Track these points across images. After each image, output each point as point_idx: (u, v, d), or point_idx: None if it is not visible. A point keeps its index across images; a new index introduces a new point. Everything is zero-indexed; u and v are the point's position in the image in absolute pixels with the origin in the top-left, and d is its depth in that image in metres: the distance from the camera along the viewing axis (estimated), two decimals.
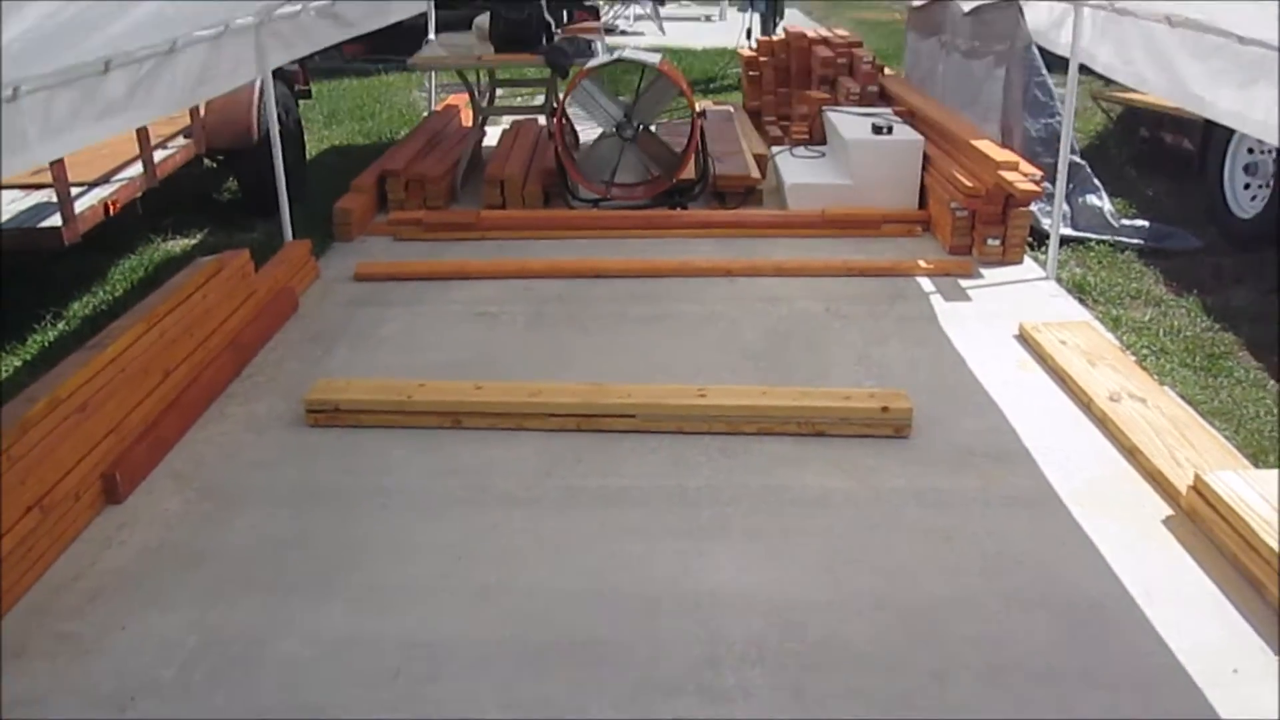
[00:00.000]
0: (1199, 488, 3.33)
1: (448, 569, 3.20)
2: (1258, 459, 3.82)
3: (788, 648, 2.84)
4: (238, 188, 7.18)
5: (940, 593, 3.06)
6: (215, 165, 7.06)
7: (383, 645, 2.87)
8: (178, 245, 6.43)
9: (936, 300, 5.25)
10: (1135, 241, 6.15)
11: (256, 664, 2.80)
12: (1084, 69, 5.25)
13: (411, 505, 3.53)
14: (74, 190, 4.98)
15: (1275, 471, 3.42)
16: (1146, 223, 6.36)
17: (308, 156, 8.06)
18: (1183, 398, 4.23)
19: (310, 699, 2.68)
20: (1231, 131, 6.20)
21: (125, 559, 3.26)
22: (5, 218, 4.89)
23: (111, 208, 5.21)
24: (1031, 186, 5.48)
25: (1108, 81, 6.40)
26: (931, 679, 2.72)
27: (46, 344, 5.01)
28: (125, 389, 3.78)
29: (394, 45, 10.93)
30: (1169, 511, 3.43)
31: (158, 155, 5.74)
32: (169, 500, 3.58)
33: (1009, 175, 5.54)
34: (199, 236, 6.56)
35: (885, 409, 3.89)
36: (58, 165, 4.71)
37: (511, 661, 2.81)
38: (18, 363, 4.81)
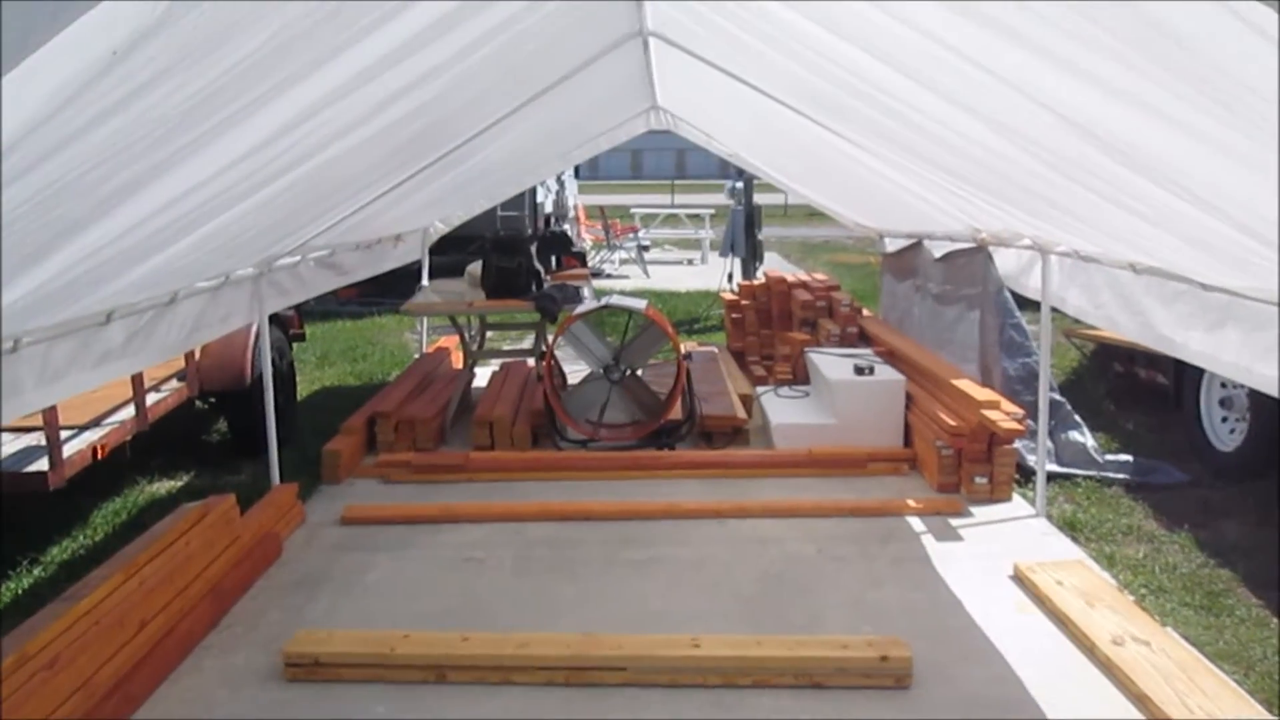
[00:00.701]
0: None
1: None
2: (1272, 704, 3.70)
3: None
4: (227, 429, 7.21)
5: None
6: (206, 407, 7.12)
7: None
8: (163, 487, 6.38)
9: (928, 540, 5.21)
10: (1121, 476, 6.18)
11: None
12: (1054, 308, 5.44)
13: None
14: (64, 434, 4.99)
15: None
16: (1130, 458, 6.42)
17: (299, 397, 8.15)
18: (1187, 639, 4.13)
19: None
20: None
21: None
22: None
23: (100, 451, 5.20)
24: (1015, 425, 5.56)
25: (1078, 319, 6.65)
26: None
27: (20, 591, 4.87)
28: (98, 642, 3.65)
29: (388, 288, 11.31)
30: None
31: (150, 398, 5.80)
32: None
33: (991, 414, 5.64)
34: (185, 479, 6.53)
35: (884, 658, 3.77)
36: (49, 410, 4.74)
37: None
38: None
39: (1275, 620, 4.46)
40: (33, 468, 4.79)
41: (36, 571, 5.12)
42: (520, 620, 4.32)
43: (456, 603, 4.58)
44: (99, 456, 5.21)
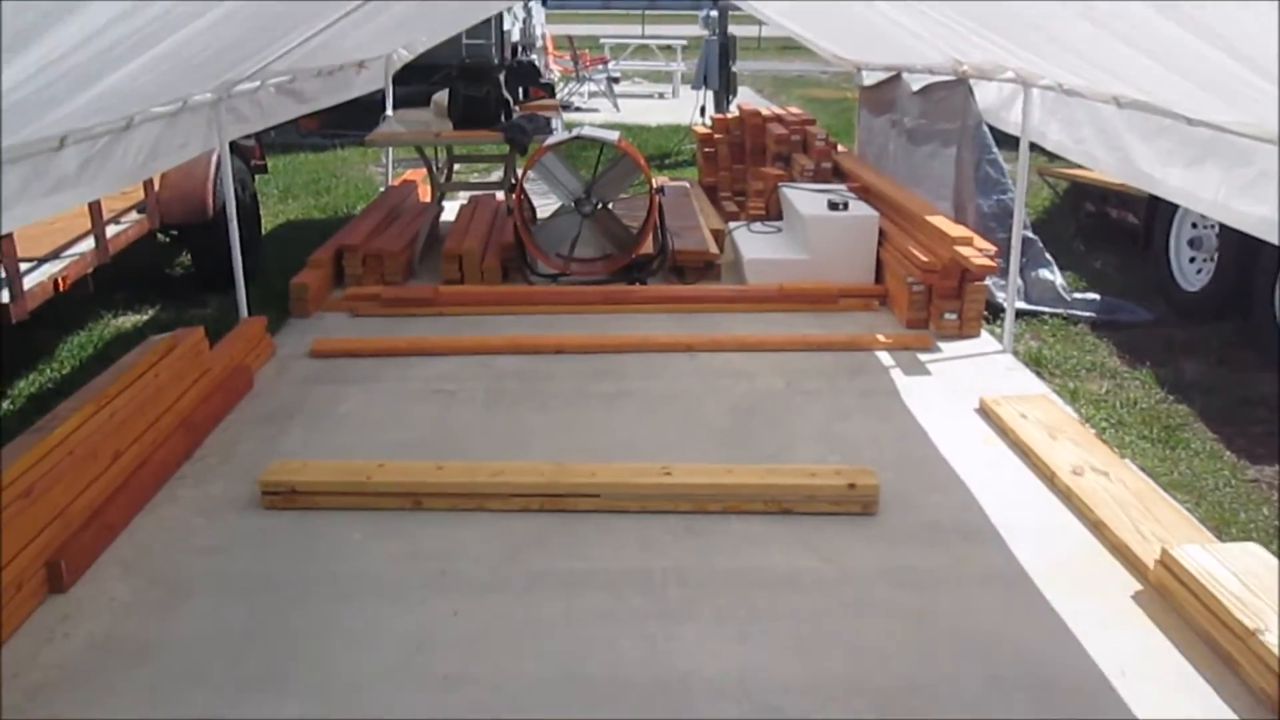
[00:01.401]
0: (1167, 563, 3.33)
1: (409, 659, 3.09)
2: (1220, 532, 3.85)
3: None
4: (191, 263, 7.09)
5: (915, 675, 3.00)
6: (169, 240, 6.97)
7: None
8: (128, 321, 6.30)
9: (896, 374, 5.27)
10: (1087, 315, 6.25)
11: None
12: (1032, 145, 5.37)
13: (370, 592, 3.42)
14: (23, 266, 4.88)
15: (1240, 545, 3.44)
16: (1097, 296, 6.48)
17: (263, 231, 7.99)
18: (1144, 470, 4.26)
19: None
20: (1175, 207, 6.37)
21: (69, 653, 3.11)
22: None
23: (62, 284, 5.11)
24: (987, 261, 5.56)
25: (1052, 157, 6.57)
26: None
27: None
28: (72, 472, 3.65)
29: (350, 120, 10.98)
30: (1138, 587, 3.42)
31: (110, 230, 5.66)
32: (116, 589, 3.44)
33: (964, 250, 5.63)
34: (150, 312, 6.45)
35: (852, 486, 3.86)
36: (6, 241, 4.62)
37: None
38: None
39: (1228, 453, 4.60)
40: None
41: (4, 405, 5.09)
42: (492, 451, 4.36)
43: (429, 433, 4.61)
44: (60, 289, 5.11)
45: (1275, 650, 2.83)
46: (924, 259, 5.85)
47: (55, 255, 5.30)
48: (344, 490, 3.92)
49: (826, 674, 3.00)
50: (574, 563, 3.58)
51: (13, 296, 4.67)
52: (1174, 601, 3.27)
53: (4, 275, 4.67)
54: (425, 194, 8.60)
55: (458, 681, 2.98)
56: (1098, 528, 3.75)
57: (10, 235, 4.62)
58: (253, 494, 3.99)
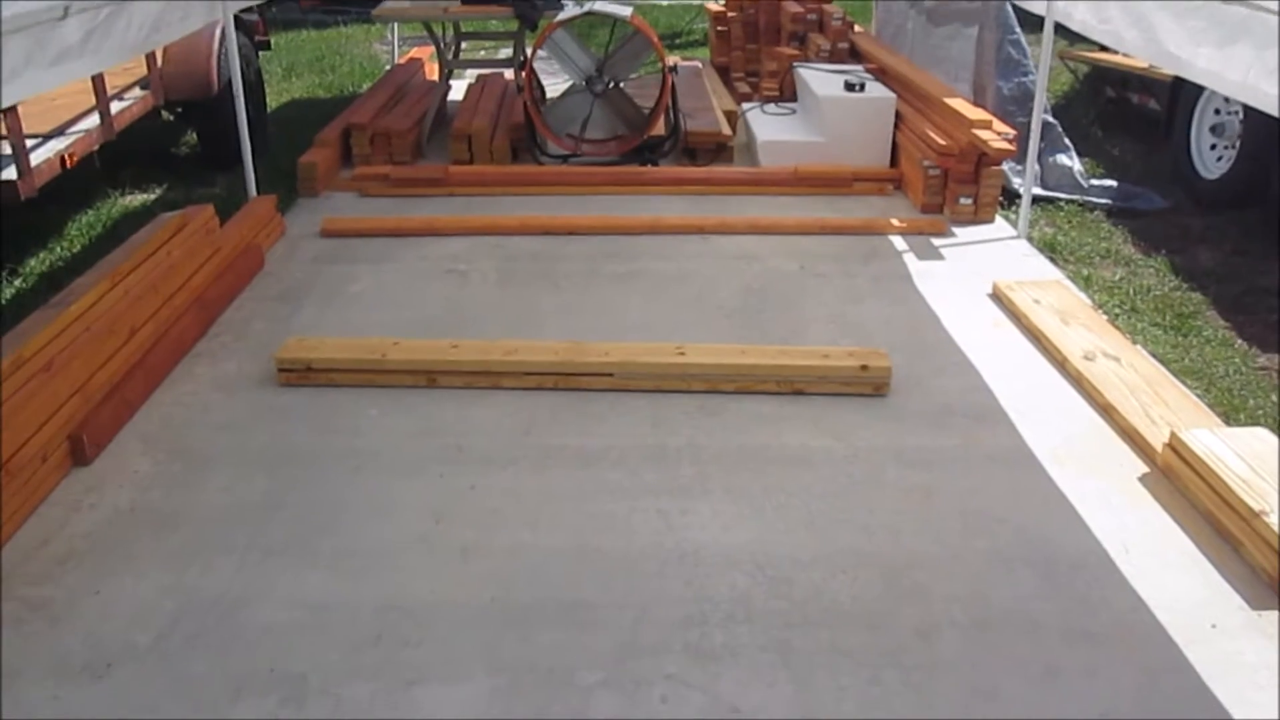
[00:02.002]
0: (1175, 446, 3.36)
1: (426, 530, 3.15)
2: (1229, 417, 3.87)
3: (773, 606, 2.84)
4: (197, 141, 7.00)
5: (922, 550, 3.07)
6: (174, 118, 6.87)
7: (362, 609, 2.83)
8: (136, 200, 6.26)
9: (910, 259, 5.24)
10: (1103, 201, 6.17)
11: (235, 629, 2.75)
12: (1055, 27, 5.23)
13: (388, 466, 3.48)
14: (29, 143, 4.83)
15: (1248, 430, 3.47)
16: (1114, 183, 6.39)
17: (268, 109, 7.86)
18: (1155, 356, 4.27)
19: (290, 665, 2.63)
20: (1199, 92, 6.23)
21: (95, 522, 3.18)
22: None
23: (68, 160, 5.06)
24: (1005, 145, 5.47)
25: (1072, 40, 6.40)
26: (916, 636, 2.73)
27: (2, 301, 4.87)
28: (90, 348, 3.68)
29: None
30: (1145, 469, 3.46)
31: (114, 107, 5.59)
32: (138, 462, 3.50)
33: (983, 134, 5.53)
34: (158, 191, 6.40)
35: (864, 367, 3.88)
36: (12, 117, 4.56)
37: (494, 624, 2.78)
38: None
39: (1239, 341, 4.60)
40: (1, 177, 4.66)
41: (17, 283, 5.09)
42: (505, 330, 4.36)
43: (442, 313, 4.62)
44: (67, 166, 5.07)
45: (1278, 531, 2.88)
46: (941, 142, 5.76)
47: (61, 132, 5.24)
48: (359, 367, 3.95)
49: (836, 548, 3.07)
50: (588, 440, 3.62)
51: (20, 173, 4.64)
52: (1180, 484, 3.32)
53: (11, 151, 4.63)
54: (432, 72, 8.44)
55: (475, 552, 3.05)
56: (1107, 411, 3.78)
57: (15, 110, 4.56)
58: (268, 371, 4.02)
